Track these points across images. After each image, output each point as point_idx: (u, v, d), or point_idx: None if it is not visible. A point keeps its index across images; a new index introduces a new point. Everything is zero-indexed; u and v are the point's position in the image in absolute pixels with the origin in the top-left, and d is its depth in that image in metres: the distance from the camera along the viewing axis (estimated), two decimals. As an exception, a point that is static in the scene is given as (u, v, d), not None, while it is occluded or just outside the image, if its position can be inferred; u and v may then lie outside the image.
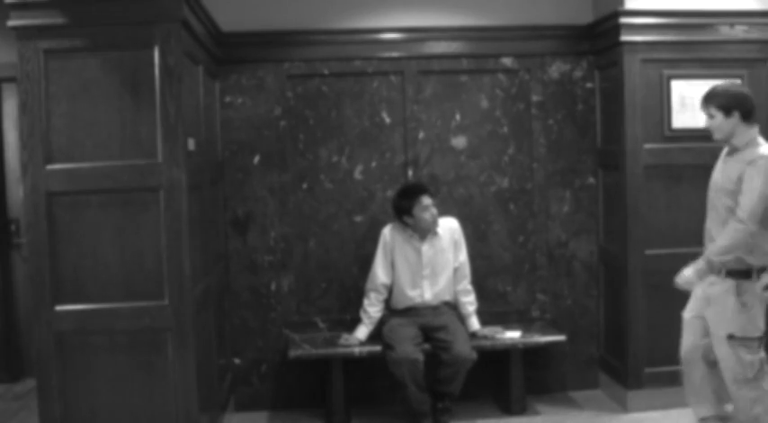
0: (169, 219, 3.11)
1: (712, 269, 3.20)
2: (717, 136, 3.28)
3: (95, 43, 3.09)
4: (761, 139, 3.22)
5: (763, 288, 3.17)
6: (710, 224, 3.32)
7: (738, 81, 3.98)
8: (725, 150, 3.34)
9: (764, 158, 3.11)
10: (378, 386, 4.31)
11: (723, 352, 3.22)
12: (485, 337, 4.08)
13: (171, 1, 3.08)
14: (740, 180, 3.13)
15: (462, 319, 4.14)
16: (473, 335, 4.08)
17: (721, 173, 3.28)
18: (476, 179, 4.40)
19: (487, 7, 4.37)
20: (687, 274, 3.27)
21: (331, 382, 4.04)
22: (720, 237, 3.16)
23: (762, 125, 4.14)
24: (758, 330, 3.19)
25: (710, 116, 3.25)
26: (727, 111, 3.19)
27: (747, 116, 3.20)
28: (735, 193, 3.15)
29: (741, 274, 3.16)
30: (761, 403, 3.21)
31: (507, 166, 4.42)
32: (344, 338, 4.09)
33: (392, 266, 4.11)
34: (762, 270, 3.17)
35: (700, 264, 3.24)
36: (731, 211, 3.16)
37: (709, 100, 3.28)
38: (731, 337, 3.17)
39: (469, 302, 4.17)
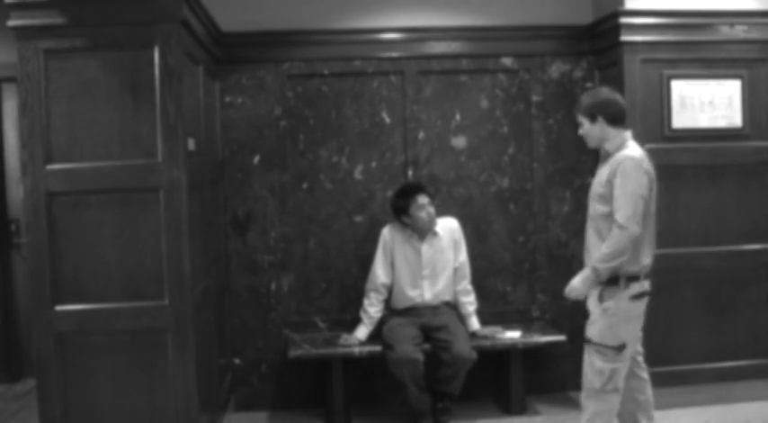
0: (169, 219, 3.11)
1: (599, 278, 3.04)
2: (590, 143, 3.24)
3: (95, 43, 3.09)
4: (631, 142, 3.17)
5: (630, 298, 3.04)
6: (587, 233, 3.23)
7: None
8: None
9: (629, 159, 3.05)
10: (378, 386, 4.31)
11: (584, 358, 3.15)
12: (485, 337, 4.08)
13: (171, 1, 3.08)
14: (609, 183, 3.06)
15: (462, 319, 4.14)
16: (473, 335, 4.08)
17: (595, 179, 3.22)
18: (476, 179, 4.40)
19: (487, 7, 4.37)
20: (575, 284, 3.11)
21: (331, 382, 4.04)
22: (605, 243, 3.02)
23: (764, 125, 4.18)
24: (616, 340, 3.04)
25: (580, 124, 3.23)
26: (591, 116, 3.16)
27: (613, 120, 3.14)
28: (605, 196, 3.08)
29: (609, 280, 3.05)
30: (602, 417, 3.10)
31: (507, 166, 4.41)
32: (344, 338, 4.09)
33: (392, 266, 4.12)
34: (631, 279, 3.05)
35: (586, 272, 3.08)
36: (604, 216, 3.08)
37: (576, 108, 3.26)
38: (587, 342, 3.10)
39: (469, 302, 4.17)
